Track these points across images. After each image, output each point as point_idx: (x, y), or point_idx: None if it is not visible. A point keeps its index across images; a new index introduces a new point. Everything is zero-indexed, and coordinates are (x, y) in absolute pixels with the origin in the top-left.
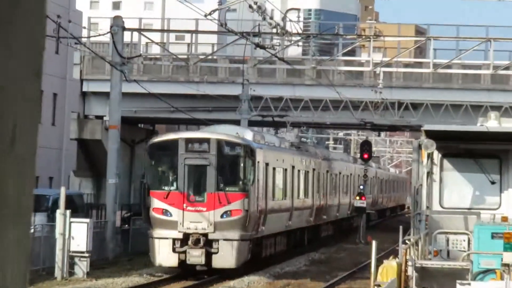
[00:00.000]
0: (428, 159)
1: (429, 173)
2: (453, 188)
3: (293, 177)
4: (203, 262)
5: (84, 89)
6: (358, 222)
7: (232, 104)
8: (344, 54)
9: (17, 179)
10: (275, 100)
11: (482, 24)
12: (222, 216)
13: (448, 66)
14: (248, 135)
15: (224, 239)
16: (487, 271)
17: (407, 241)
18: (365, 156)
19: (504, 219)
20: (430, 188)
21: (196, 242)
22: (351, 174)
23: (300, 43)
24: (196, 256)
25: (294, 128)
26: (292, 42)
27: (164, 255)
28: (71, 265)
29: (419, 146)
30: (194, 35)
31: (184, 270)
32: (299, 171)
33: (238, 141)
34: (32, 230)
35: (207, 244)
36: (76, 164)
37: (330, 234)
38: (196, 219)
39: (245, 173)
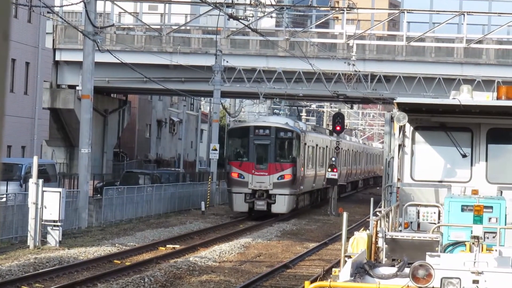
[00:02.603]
0: (400, 132)
1: (401, 146)
2: (425, 160)
3: (316, 152)
4: (265, 209)
5: (57, 58)
6: (331, 194)
7: (205, 75)
8: (318, 26)
9: None
10: (248, 71)
11: None
12: (278, 179)
13: (422, 39)
14: (291, 122)
15: (279, 194)
16: (456, 243)
17: (378, 213)
18: (338, 128)
19: (475, 192)
20: (402, 161)
21: (261, 196)
22: (353, 151)
23: (274, 15)
24: (261, 205)
25: (266, 100)
26: (266, 13)
27: (239, 204)
28: (44, 234)
29: (391, 119)
30: (167, 5)
31: (250, 214)
32: (319, 147)
33: (290, 128)
34: (4, 199)
35: (268, 197)
36: (49, 133)
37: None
38: (260, 180)
39: (293, 150)
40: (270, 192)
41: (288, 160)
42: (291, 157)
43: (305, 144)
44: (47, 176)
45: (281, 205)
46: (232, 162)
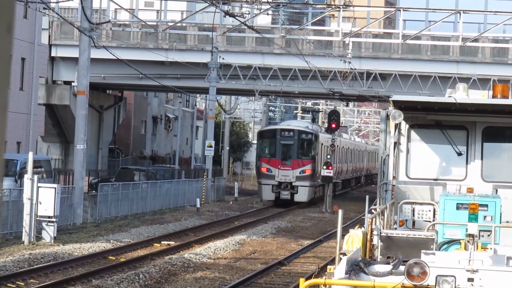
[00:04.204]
0: (395, 130)
1: (396, 144)
2: (420, 158)
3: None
4: (289, 198)
5: (53, 54)
6: (326, 189)
7: (200, 72)
8: (314, 24)
9: None
10: (244, 68)
11: None
12: (300, 173)
13: (417, 37)
14: (310, 126)
15: (301, 186)
16: (451, 241)
17: (373, 211)
18: (333, 125)
19: (470, 190)
20: (397, 159)
21: (285, 187)
22: (357, 149)
23: (270, 12)
24: (285, 195)
25: (262, 97)
26: (262, 10)
27: (267, 194)
28: (39, 230)
29: (387, 117)
30: (163, 1)
31: (276, 202)
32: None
33: (309, 130)
34: None
35: (291, 188)
36: (44, 129)
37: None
38: (285, 174)
39: (312, 149)
40: (293, 184)
41: (308, 158)
42: (311, 155)
43: (322, 144)
44: (42, 171)
45: (302, 195)
46: (262, 159)
